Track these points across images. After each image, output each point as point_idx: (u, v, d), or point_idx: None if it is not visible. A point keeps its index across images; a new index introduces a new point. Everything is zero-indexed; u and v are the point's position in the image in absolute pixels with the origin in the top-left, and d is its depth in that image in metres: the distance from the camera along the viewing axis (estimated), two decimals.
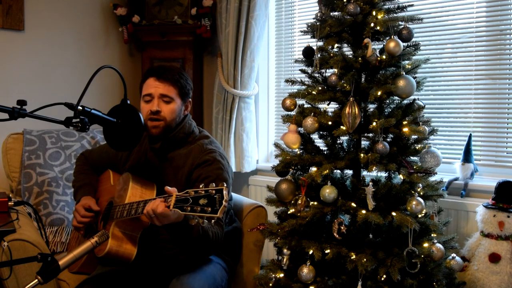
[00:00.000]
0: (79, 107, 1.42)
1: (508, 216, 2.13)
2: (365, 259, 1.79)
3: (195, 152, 1.97)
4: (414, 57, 2.01)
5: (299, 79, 2.14)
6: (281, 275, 2.04)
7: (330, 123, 1.95)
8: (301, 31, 2.17)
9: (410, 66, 1.95)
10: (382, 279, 1.83)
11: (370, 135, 1.94)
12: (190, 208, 1.48)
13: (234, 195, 2.39)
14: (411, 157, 1.99)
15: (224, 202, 1.45)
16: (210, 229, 1.79)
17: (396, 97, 1.97)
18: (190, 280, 1.80)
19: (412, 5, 2.10)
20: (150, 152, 2.04)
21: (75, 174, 2.24)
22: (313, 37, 2.11)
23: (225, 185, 1.48)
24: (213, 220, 1.47)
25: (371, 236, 1.86)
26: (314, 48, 2.07)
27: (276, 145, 2.17)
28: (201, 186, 1.52)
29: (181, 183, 1.94)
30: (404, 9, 2.01)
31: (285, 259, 2.01)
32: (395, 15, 2.01)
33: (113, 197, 1.97)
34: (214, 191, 1.47)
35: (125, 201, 1.82)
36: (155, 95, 1.96)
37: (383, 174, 2.04)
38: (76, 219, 2.00)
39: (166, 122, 1.96)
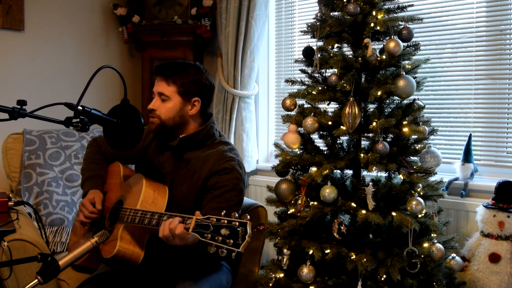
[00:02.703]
0: (79, 107, 1.42)
1: (508, 216, 2.13)
2: (365, 259, 1.79)
3: (214, 158, 1.92)
4: (414, 57, 2.01)
5: (299, 79, 2.14)
6: (281, 275, 2.04)
7: (330, 123, 1.95)
8: (301, 31, 2.16)
9: (410, 66, 1.95)
10: (382, 279, 1.83)
11: (370, 135, 1.94)
12: (211, 236, 1.43)
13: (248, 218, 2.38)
14: (411, 157, 1.99)
15: (247, 238, 1.39)
16: None
17: (396, 97, 1.96)
18: (197, 283, 1.80)
19: (412, 5, 2.10)
20: (166, 149, 2.01)
21: (85, 160, 2.19)
22: (313, 37, 2.11)
23: (248, 217, 1.43)
24: (233, 253, 1.41)
25: (371, 236, 1.86)
26: (314, 48, 2.07)
27: (276, 145, 2.17)
28: (222, 213, 1.47)
29: (196, 186, 1.91)
30: (404, 9, 2.01)
31: (285, 259, 2.01)
32: (395, 15, 2.00)
33: (123, 195, 1.96)
34: (237, 223, 1.41)
35: (137, 204, 1.79)
36: (155, 92, 1.95)
37: (383, 174, 2.04)
38: (83, 214, 1.96)
39: (161, 120, 1.92)
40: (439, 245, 1.89)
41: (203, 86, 1.97)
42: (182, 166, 1.97)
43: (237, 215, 1.45)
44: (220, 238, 1.41)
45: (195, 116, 1.98)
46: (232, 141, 3.16)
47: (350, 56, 1.98)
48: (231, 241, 1.40)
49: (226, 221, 1.43)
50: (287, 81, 2.16)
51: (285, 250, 2.01)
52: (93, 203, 1.97)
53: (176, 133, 1.97)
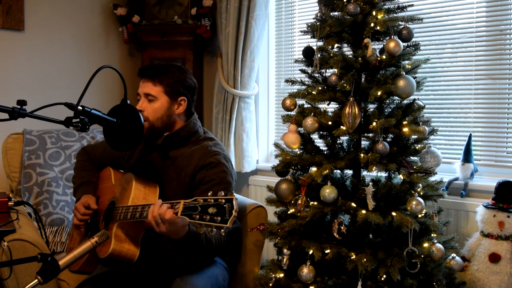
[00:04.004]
0: (79, 107, 1.42)
1: (508, 216, 2.13)
2: (365, 259, 1.79)
3: (199, 154, 1.94)
4: (414, 57, 2.01)
5: (299, 79, 2.14)
6: (281, 275, 2.04)
7: (330, 123, 1.95)
8: (301, 31, 2.16)
9: (410, 66, 1.95)
10: (382, 279, 1.83)
11: (370, 135, 1.94)
12: (199, 216, 1.46)
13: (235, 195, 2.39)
14: (411, 157, 1.99)
15: (234, 212, 1.42)
16: (214, 236, 1.78)
17: (396, 97, 1.96)
18: (193, 280, 1.80)
19: (412, 5, 2.10)
20: (153, 149, 2.03)
21: (75, 170, 2.23)
22: (313, 37, 2.11)
23: (235, 194, 1.46)
24: (222, 230, 1.44)
25: (371, 236, 1.86)
26: (314, 48, 2.07)
27: (276, 145, 2.17)
28: (209, 193, 1.49)
29: (184, 183, 1.93)
30: (404, 9, 2.01)
31: (285, 259, 2.01)
32: (395, 15, 2.00)
33: (115, 196, 1.97)
34: (223, 200, 1.44)
35: (128, 202, 1.81)
36: (141, 94, 1.96)
37: (383, 174, 2.04)
38: (76, 218, 2.00)
39: (150, 121, 1.93)
40: (439, 245, 1.89)
41: (188, 86, 2.01)
42: (169, 165, 1.98)
43: (223, 193, 1.47)
44: (208, 217, 1.45)
45: (181, 115, 2.01)
46: (232, 141, 3.17)
47: (350, 56, 1.98)
48: (219, 218, 1.43)
49: (212, 200, 1.46)
50: (287, 81, 2.16)
51: (285, 250, 2.01)
52: (87, 206, 1.99)
53: (163, 134, 1.99)
